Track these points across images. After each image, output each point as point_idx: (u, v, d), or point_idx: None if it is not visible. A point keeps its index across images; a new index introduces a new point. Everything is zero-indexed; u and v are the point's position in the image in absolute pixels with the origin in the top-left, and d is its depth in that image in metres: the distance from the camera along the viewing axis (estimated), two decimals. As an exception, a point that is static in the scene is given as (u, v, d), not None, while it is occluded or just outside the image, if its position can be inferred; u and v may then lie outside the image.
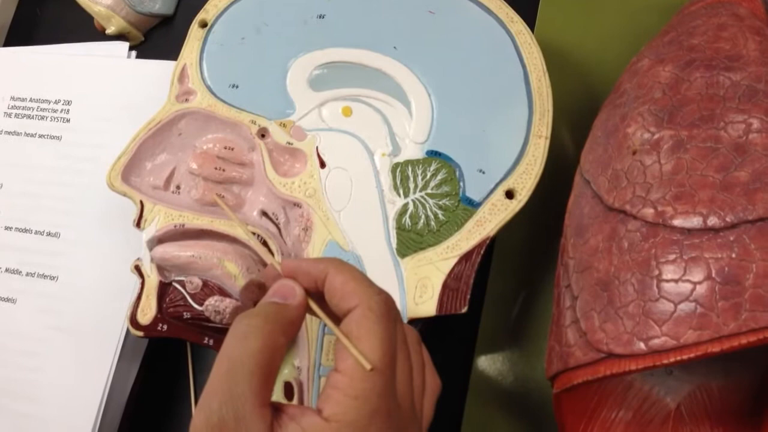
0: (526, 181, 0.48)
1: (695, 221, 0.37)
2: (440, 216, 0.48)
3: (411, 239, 0.48)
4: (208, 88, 0.53)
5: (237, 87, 0.53)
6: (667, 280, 0.37)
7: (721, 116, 0.40)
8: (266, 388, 0.32)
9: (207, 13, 0.55)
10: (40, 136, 0.61)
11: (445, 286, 0.47)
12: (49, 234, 0.58)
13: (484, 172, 0.49)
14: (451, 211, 0.48)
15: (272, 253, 0.49)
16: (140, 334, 0.49)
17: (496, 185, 0.49)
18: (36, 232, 0.58)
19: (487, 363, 0.53)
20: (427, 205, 0.48)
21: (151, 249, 0.49)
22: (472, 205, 0.48)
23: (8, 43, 0.71)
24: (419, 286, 0.47)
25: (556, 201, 0.49)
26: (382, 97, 0.52)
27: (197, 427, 0.31)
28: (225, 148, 0.52)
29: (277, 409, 0.33)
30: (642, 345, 0.36)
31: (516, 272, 0.55)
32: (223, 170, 0.51)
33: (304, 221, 0.49)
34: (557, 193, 0.50)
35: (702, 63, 0.43)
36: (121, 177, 0.51)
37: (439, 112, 0.51)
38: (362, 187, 0.50)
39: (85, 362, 0.53)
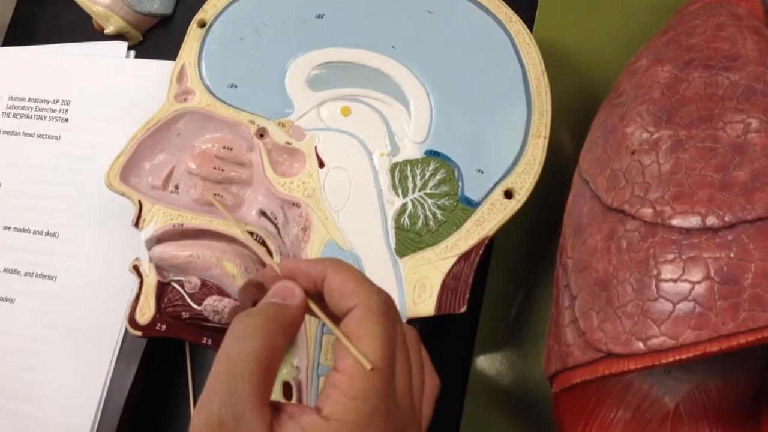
0: (525, 180, 0.48)
1: (694, 221, 0.37)
2: (439, 216, 0.48)
3: (410, 239, 0.48)
4: (207, 87, 0.53)
5: (236, 87, 0.53)
6: (666, 280, 0.37)
7: (719, 116, 0.40)
8: (265, 388, 0.32)
9: (206, 12, 0.55)
10: (39, 135, 0.61)
11: (444, 285, 0.47)
12: (47, 234, 0.58)
13: (482, 172, 0.49)
14: (450, 210, 0.48)
15: (271, 253, 0.49)
16: (139, 333, 0.49)
17: (495, 185, 0.49)
18: (34, 232, 0.58)
19: (486, 362, 0.53)
20: (426, 205, 0.49)
21: (149, 249, 0.49)
22: (471, 205, 0.48)
23: (7, 42, 0.71)
24: (418, 285, 0.47)
25: (555, 201, 0.49)
26: (381, 96, 0.52)
27: (197, 427, 0.31)
28: (224, 147, 0.52)
29: (276, 409, 0.33)
30: (641, 345, 0.36)
31: (515, 272, 0.55)
32: (222, 170, 0.51)
33: (303, 221, 0.49)
34: (556, 192, 0.50)
35: (700, 63, 0.43)
36: (119, 177, 0.51)
37: (437, 111, 0.51)
38: (361, 187, 0.50)
39: (84, 362, 0.53)
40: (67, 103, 0.62)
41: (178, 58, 0.54)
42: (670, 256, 0.37)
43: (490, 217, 0.48)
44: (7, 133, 0.62)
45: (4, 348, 0.55)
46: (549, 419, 0.45)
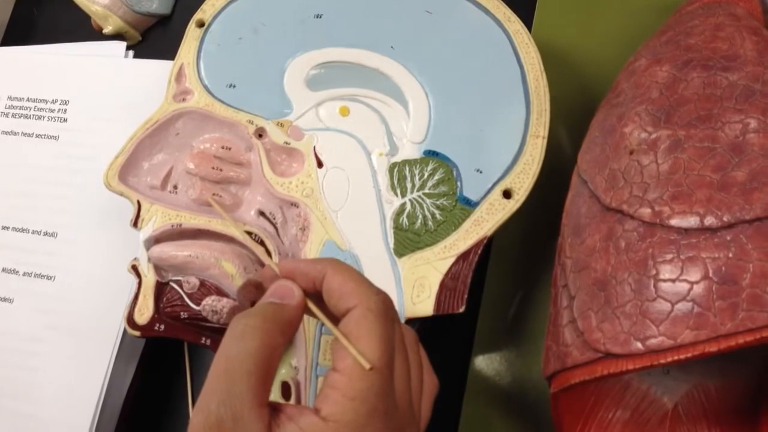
0: (524, 180, 0.48)
1: (692, 221, 0.37)
2: (437, 216, 0.48)
3: (408, 239, 0.48)
4: (206, 87, 0.53)
5: (234, 87, 0.53)
6: (665, 280, 0.37)
7: (718, 116, 0.40)
8: (264, 388, 0.32)
9: (204, 12, 0.55)
10: (38, 135, 0.61)
11: (443, 285, 0.47)
12: (46, 234, 0.58)
13: (481, 172, 0.49)
14: (449, 210, 0.48)
15: (270, 253, 0.49)
16: (137, 333, 0.49)
17: (494, 185, 0.49)
18: (33, 232, 0.58)
19: (484, 363, 0.53)
20: (425, 205, 0.49)
21: (148, 249, 0.49)
22: (470, 205, 0.48)
23: (5, 42, 0.71)
24: (416, 285, 0.47)
25: (554, 201, 0.49)
26: (380, 96, 0.52)
27: (195, 427, 0.31)
28: (222, 147, 0.52)
29: (275, 409, 0.33)
30: (639, 345, 0.36)
31: (513, 272, 0.55)
32: (221, 170, 0.51)
33: (302, 221, 0.49)
34: (554, 192, 0.50)
35: (699, 63, 0.43)
36: (118, 177, 0.51)
37: (436, 111, 0.51)
38: (359, 187, 0.50)
39: (83, 362, 0.53)
40: (66, 103, 0.62)
41: (176, 58, 0.54)
42: (669, 256, 0.37)
43: (489, 217, 0.48)
44: (6, 133, 0.62)
45: (3, 348, 0.55)
46: (548, 419, 0.45)
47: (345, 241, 0.48)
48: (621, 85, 0.47)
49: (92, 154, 0.59)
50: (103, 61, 0.64)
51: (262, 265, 0.49)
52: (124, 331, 0.53)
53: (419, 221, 0.48)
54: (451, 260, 0.47)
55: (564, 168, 0.51)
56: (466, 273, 0.47)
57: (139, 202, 0.50)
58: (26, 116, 0.62)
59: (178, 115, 0.52)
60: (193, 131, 0.53)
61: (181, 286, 0.49)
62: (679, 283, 0.36)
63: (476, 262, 0.47)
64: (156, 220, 0.50)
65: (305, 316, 0.41)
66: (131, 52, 0.65)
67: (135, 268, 0.50)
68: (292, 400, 0.45)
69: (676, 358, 0.35)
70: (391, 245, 0.48)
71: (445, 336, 0.55)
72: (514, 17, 0.53)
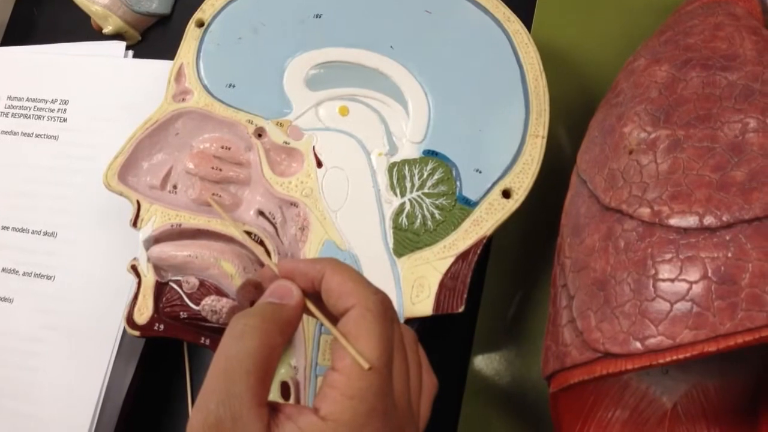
0: (523, 180, 0.49)
1: (691, 221, 0.37)
2: (437, 215, 0.48)
3: (408, 239, 0.48)
4: (205, 87, 0.53)
5: (234, 86, 0.53)
6: (664, 280, 0.37)
7: (717, 116, 0.40)
8: (263, 388, 0.32)
9: (204, 12, 0.55)
10: (37, 135, 0.61)
11: (442, 285, 0.47)
12: (46, 234, 0.58)
13: (480, 172, 0.49)
14: (448, 210, 0.48)
15: (269, 253, 0.49)
16: (137, 333, 0.49)
17: (493, 185, 0.49)
18: (33, 232, 0.58)
19: (483, 362, 0.53)
20: (424, 205, 0.49)
21: (147, 249, 0.49)
22: (469, 205, 0.48)
23: (5, 42, 0.71)
24: (416, 285, 0.47)
25: (553, 200, 0.49)
26: (379, 96, 0.52)
27: (194, 427, 0.31)
28: (222, 147, 0.52)
29: (274, 409, 0.33)
30: (638, 344, 0.36)
31: (513, 272, 0.55)
32: (220, 170, 0.51)
33: (301, 221, 0.49)
34: (554, 192, 0.50)
35: (698, 62, 0.43)
36: (117, 177, 0.51)
37: (435, 111, 0.51)
38: (359, 187, 0.50)
39: (82, 362, 0.53)
40: (66, 102, 0.62)
41: (176, 58, 0.54)
42: (668, 256, 0.37)
43: (488, 216, 0.48)
44: (6, 132, 0.62)
45: (3, 348, 0.55)
46: (547, 419, 0.45)
47: (344, 241, 0.48)
48: (620, 85, 0.47)
49: (92, 153, 0.59)
50: (102, 61, 0.63)
51: (262, 264, 0.49)
52: (124, 331, 0.53)
53: (418, 221, 0.48)
54: (451, 260, 0.47)
55: (563, 168, 0.51)
56: (465, 273, 0.47)
57: (138, 202, 0.50)
58: (26, 116, 0.62)
59: (177, 114, 0.52)
60: (193, 131, 0.53)
61: (180, 286, 0.49)
62: (678, 283, 0.36)
63: (475, 261, 0.47)
64: (155, 220, 0.50)
65: (304, 316, 0.41)
66: (131, 52, 0.65)
67: (134, 268, 0.50)
68: (292, 400, 0.45)
69: (675, 357, 0.35)
70: (391, 245, 0.48)
71: (444, 336, 0.55)
72: (513, 17, 0.53)
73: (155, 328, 0.49)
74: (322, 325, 0.45)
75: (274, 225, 0.51)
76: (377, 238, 0.48)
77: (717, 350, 0.34)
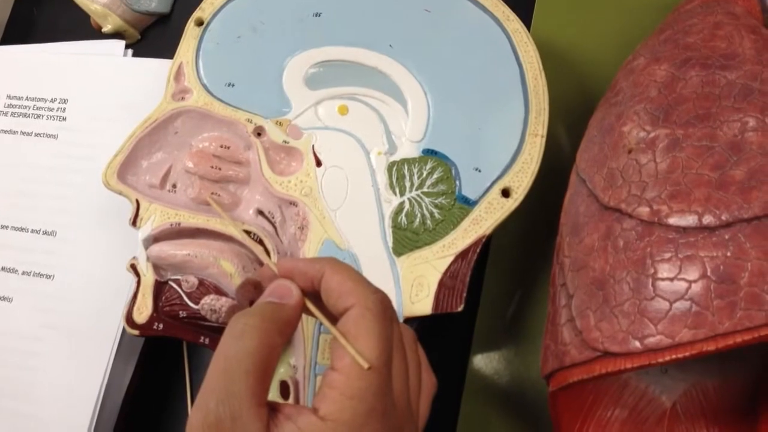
0: (522, 179, 0.49)
1: (690, 220, 0.37)
2: (436, 214, 0.48)
3: (407, 238, 0.48)
4: (204, 86, 0.53)
5: (233, 85, 0.53)
6: (663, 279, 0.37)
7: (716, 115, 0.40)
8: (262, 387, 0.32)
9: (203, 11, 0.55)
10: (37, 134, 0.61)
11: (441, 284, 0.47)
12: (45, 233, 0.57)
13: (480, 171, 0.49)
14: (447, 209, 0.48)
15: (268, 252, 0.49)
16: (136, 332, 0.49)
17: (492, 184, 0.49)
18: (32, 231, 0.58)
19: (483, 362, 0.53)
20: (423, 204, 0.49)
21: (147, 248, 0.49)
22: (468, 204, 0.48)
23: (5, 41, 0.71)
24: (415, 284, 0.47)
25: (552, 200, 0.49)
26: (379, 95, 0.52)
27: (194, 426, 0.31)
28: (221, 146, 0.52)
29: (273, 409, 0.33)
30: (637, 343, 0.36)
31: (512, 271, 0.55)
32: (219, 169, 0.51)
33: (300, 220, 0.49)
34: (553, 191, 0.50)
35: (698, 61, 0.43)
36: (117, 176, 0.51)
37: (435, 110, 0.51)
38: (358, 186, 0.50)
39: (82, 361, 0.53)
40: (65, 101, 0.62)
41: (175, 57, 0.54)
42: (667, 255, 0.37)
43: (488, 215, 0.48)
44: (5, 132, 0.62)
45: (2, 348, 0.55)
46: (546, 418, 0.45)
47: (344, 240, 0.48)
48: (619, 84, 0.47)
49: (91, 153, 0.59)
50: (102, 59, 0.63)
51: (261, 264, 0.49)
52: (123, 330, 0.53)
53: (418, 220, 0.48)
54: (450, 259, 0.47)
55: (562, 167, 0.51)
56: (464, 272, 0.47)
57: (137, 201, 0.50)
58: (25, 115, 0.62)
59: (177, 113, 0.52)
60: (192, 130, 0.53)
61: (179, 285, 0.49)
62: (677, 282, 0.36)
63: (475, 260, 0.47)
64: (155, 219, 0.50)
65: (304, 316, 0.41)
66: (130, 51, 0.65)
67: (134, 267, 0.50)
68: (291, 400, 0.45)
69: (674, 356, 0.35)
70: (390, 244, 0.48)
71: (443, 335, 0.55)
72: (513, 16, 0.53)
73: (154, 327, 0.49)
74: (321, 324, 0.45)
75: (273, 224, 0.51)
76: (376, 237, 0.48)
77: (716, 349, 0.34)
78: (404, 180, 0.49)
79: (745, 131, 0.38)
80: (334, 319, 0.36)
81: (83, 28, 0.67)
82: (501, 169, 0.49)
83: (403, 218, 0.48)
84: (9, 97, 0.63)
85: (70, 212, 0.58)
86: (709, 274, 0.36)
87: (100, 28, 0.66)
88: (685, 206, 0.38)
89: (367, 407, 0.32)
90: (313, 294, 0.37)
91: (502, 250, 0.56)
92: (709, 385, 0.46)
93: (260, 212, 0.51)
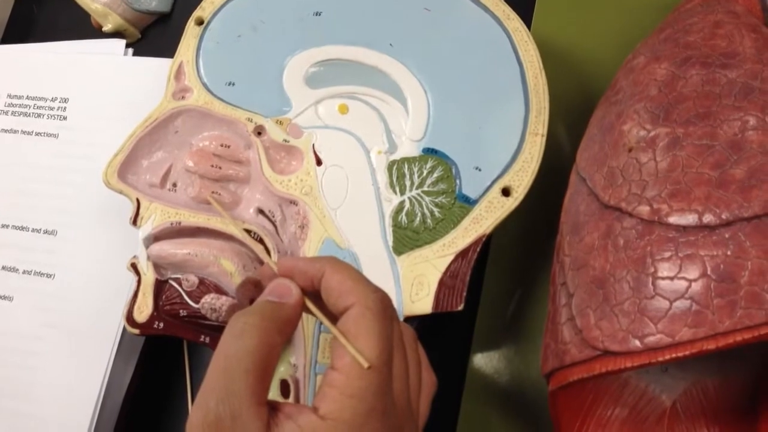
0: (523, 178, 0.48)
1: (691, 219, 0.37)
2: (436, 213, 0.48)
3: (407, 237, 0.48)
4: (205, 85, 0.53)
5: (233, 84, 0.53)
6: (663, 278, 0.37)
7: (717, 114, 0.40)
8: (263, 386, 0.32)
9: (203, 10, 0.55)
10: (37, 133, 0.61)
11: (441, 283, 0.47)
12: (45, 232, 0.58)
13: (480, 170, 0.49)
14: (448, 208, 0.48)
15: (269, 251, 0.49)
16: (136, 331, 0.49)
17: (493, 183, 0.49)
18: (33, 230, 0.58)
19: (483, 361, 0.53)
20: (424, 203, 0.49)
21: (147, 247, 0.49)
22: (469, 203, 0.48)
23: (5, 40, 0.71)
24: (415, 283, 0.47)
25: (552, 199, 0.49)
26: (379, 94, 0.52)
27: (194, 425, 0.31)
28: (221, 145, 0.52)
29: (273, 408, 0.33)
30: (637, 342, 0.36)
31: (512, 270, 0.55)
32: (220, 168, 0.51)
33: (301, 219, 0.49)
34: (553, 190, 0.50)
35: (698, 60, 0.43)
36: (117, 175, 0.51)
37: (435, 109, 0.51)
38: (358, 185, 0.50)
39: (82, 360, 0.53)
40: (66, 101, 0.62)
41: (175, 56, 0.54)
42: (667, 254, 0.37)
43: (488, 214, 0.48)
44: (6, 131, 0.62)
45: (3, 347, 0.55)
46: (546, 417, 0.45)
47: (344, 239, 0.48)
48: (620, 83, 0.47)
49: (91, 152, 0.59)
50: (102, 59, 0.64)
51: (261, 263, 0.49)
52: (124, 329, 0.53)
53: (418, 219, 0.48)
54: (450, 258, 0.47)
55: (563, 166, 0.51)
56: (464, 271, 0.47)
57: (138, 200, 0.50)
58: (26, 114, 0.62)
59: (177, 113, 0.52)
60: (192, 129, 0.53)
61: (180, 284, 0.49)
62: (677, 281, 0.36)
63: (475, 260, 0.47)
64: (155, 218, 0.50)
65: (304, 315, 0.41)
66: (131, 50, 0.65)
67: (134, 266, 0.50)
68: (291, 399, 0.45)
69: (674, 355, 0.35)
70: (390, 243, 0.48)
71: (443, 334, 0.55)
72: (513, 15, 0.53)
73: (155, 326, 0.49)
74: (321, 323, 0.45)
75: (273, 223, 0.51)
76: (377, 236, 0.48)
77: (716, 348, 0.34)
78: (404, 179, 0.49)
79: (745, 130, 0.38)
80: (334, 318, 0.36)
81: (84, 27, 0.67)
82: (501, 168, 0.49)
83: (403, 217, 0.48)
84: (9, 96, 0.63)
85: (71, 211, 0.58)
86: (709, 272, 0.36)
87: (101, 27, 0.66)
88: (686, 205, 0.38)
89: (367, 406, 0.32)
90: (313, 293, 0.37)
91: (503, 249, 0.56)
92: (709, 383, 0.46)
93: (260, 211, 0.51)
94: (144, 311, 0.49)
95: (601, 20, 0.60)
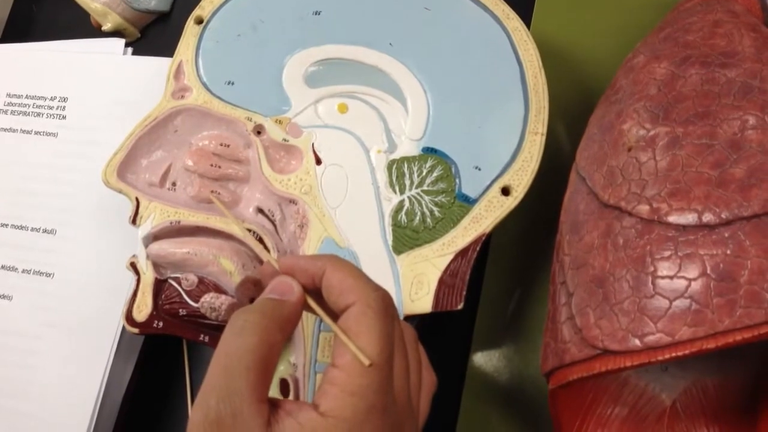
0: (522, 177, 0.49)
1: (690, 218, 0.37)
2: (436, 213, 0.48)
3: (407, 236, 0.48)
4: (204, 84, 0.53)
5: (233, 84, 0.53)
6: (662, 277, 0.37)
7: (716, 113, 0.40)
8: (263, 384, 0.32)
9: (203, 9, 0.55)
10: (36, 132, 0.61)
11: (441, 282, 0.47)
12: (45, 231, 0.57)
13: (480, 169, 0.49)
14: (447, 207, 0.48)
15: (268, 250, 0.49)
16: (136, 331, 0.49)
17: (492, 182, 0.49)
18: (32, 229, 0.58)
19: (483, 359, 0.53)
20: (423, 202, 0.49)
21: (146, 246, 0.49)
22: (468, 202, 0.48)
23: (4, 39, 0.71)
24: (415, 282, 0.47)
25: (552, 198, 0.49)
26: (378, 93, 0.52)
27: (195, 424, 0.31)
28: (221, 145, 0.52)
29: (274, 405, 0.33)
30: (637, 341, 0.36)
31: (512, 269, 0.55)
32: (219, 167, 0.51)
33: (300, 218, 0.49)
34: (553, 189, 0.50)
35: (697, 59, 0.43)
36: (116, 174, 0.51)
37: (435, 108, 0.51)
38: (358, 184, 0.50)
39: (81, 359, 0.53)
40: (65, 100, 0.62)
41: (175, 55, 0.54)
42: (667, 253, 0.37)
43: (488, 214, 0.48)
44: (5, 130, 0.62)
45: (2, 346, 0.55)
46: (546, 416, 0.45)
47: (343, 239, 0.48)
48: (619, 82, 0.47)
49: (91, 151, 0.59)
50: (101, 58, 0.63)
51: (261, 262, 0.49)
52: (123, 328, 0.53)
53: (418, 218, 0.48)
54: (450, 257, 0.47)
55: (562, 165, 0.51)
56: (464, 270, 0.47)
57: (137, 199, 0.50)
58: (25, 113, 0.62)
59: (176, 112, 0.52)
60: (192, 128, 0.53)
61: (179, 283, 0.49)
62: (677, 280, 0.36)
63: (475, 259, 0.47)
64: (154, 217, 0.50)
65: (304, 314, 0.41)
66: (130, 49, 0.65)
67: (134, 265, 0.50)
68: (291, 397, 0.45)
69: (673, 354, 0.35)
70: (390, 242, 0.48)
71: (443, 333, 0.55)
72: (512, 14, 0.53)
73: (154, 325, 0.49)
74: (321, 322, 0.45)
75: (273, 222, 0.51)
76: (376, 235, 0.48)
77: (716, 347, 0.34)
78: (404, 178, 0.49)
79: (744, 129, 0.39)
80: (335, 316, 0.36)
81: (83, 27, 0.67)
82: (501, 167, 0.49)
83: (402, 216, 0.48)
84: (9, 95, 0.63)
85: (70, 210, 0.58)
86: (708, 272, 0.36)
87: (100, 26, 0.66)
88: (685, 204, 0.38)
89: (367, 404, 0.32)
90: (314, 291, 0.37)
91: (502, 248, 0.56)
92: (708, 383, 0.46)
93: (260, 210, 0.51)
94: (143, 310, 0.49)
95: (601, 20, 0.60)
